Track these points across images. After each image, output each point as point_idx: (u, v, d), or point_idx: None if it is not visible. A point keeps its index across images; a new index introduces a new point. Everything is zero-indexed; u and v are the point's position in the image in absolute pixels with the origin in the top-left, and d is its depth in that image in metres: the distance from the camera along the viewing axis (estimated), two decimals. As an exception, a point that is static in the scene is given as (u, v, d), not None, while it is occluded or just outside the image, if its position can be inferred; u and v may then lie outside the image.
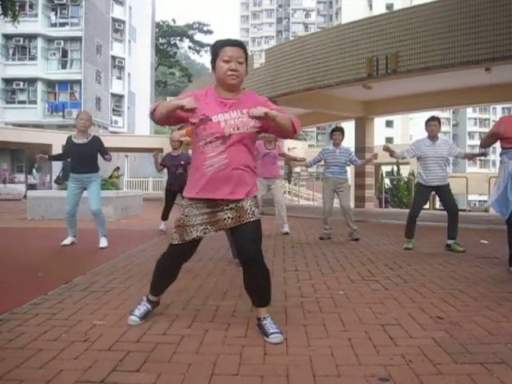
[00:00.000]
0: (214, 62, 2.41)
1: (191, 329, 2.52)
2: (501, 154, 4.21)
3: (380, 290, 3.45)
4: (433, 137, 5.42)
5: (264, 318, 2.45)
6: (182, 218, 2.47)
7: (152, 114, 2.43)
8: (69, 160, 5.85)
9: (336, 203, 6.66)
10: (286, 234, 7.00)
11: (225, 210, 2.42)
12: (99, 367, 2.00)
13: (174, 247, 2.51)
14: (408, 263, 4.55)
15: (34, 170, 22.70)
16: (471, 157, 6.18)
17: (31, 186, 20.80)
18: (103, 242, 5.56)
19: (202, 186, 2.39)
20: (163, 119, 2.43)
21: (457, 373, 1.96)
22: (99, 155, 5.59)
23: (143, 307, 2.66)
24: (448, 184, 5.45)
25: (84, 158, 5.45)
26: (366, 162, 7.81)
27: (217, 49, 2.39)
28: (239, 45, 2.40)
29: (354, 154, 6.78)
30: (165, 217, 7.52)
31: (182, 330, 2.49)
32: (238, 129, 2.35)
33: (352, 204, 19.87)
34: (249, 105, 2.38)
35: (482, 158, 5.95)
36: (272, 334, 2.35)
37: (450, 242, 5.42)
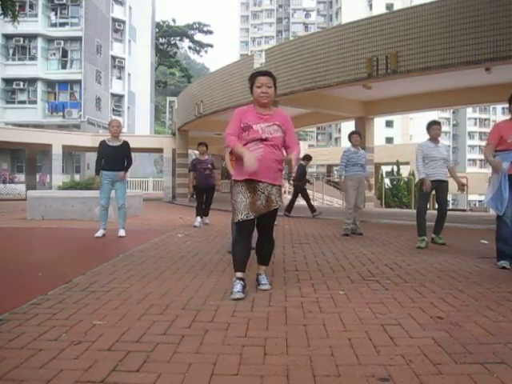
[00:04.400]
0: (251, 87, 3.35)
1: (191, 329, 2.52)
2: (494, 156, 4.36)
3: (380, 290, 3.45)
4: (435, 139, 5.81)
5: (260, 273, 3.47)
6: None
7: (228, 146, 3.28)
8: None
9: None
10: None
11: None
12: (99, 367, 2.00)
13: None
14: (408, 263, 4.56)
15: None
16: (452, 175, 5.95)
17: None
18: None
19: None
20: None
21: (457, 373, 1.96)
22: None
23: (238, 284, 3.21)
24: (447, 181, 5.83)
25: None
26: None
27: (253, 78, 3.34)
28: (268, 74, 3.35)
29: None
30: (198, 213, 8.28)
31: (181, 330, 2.49)
32: (271, 134, 3.24)
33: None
34: (278, 119, 3.29)
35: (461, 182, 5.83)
36: (262, 283, 3.40)
37: (433, 235, 5.93)
